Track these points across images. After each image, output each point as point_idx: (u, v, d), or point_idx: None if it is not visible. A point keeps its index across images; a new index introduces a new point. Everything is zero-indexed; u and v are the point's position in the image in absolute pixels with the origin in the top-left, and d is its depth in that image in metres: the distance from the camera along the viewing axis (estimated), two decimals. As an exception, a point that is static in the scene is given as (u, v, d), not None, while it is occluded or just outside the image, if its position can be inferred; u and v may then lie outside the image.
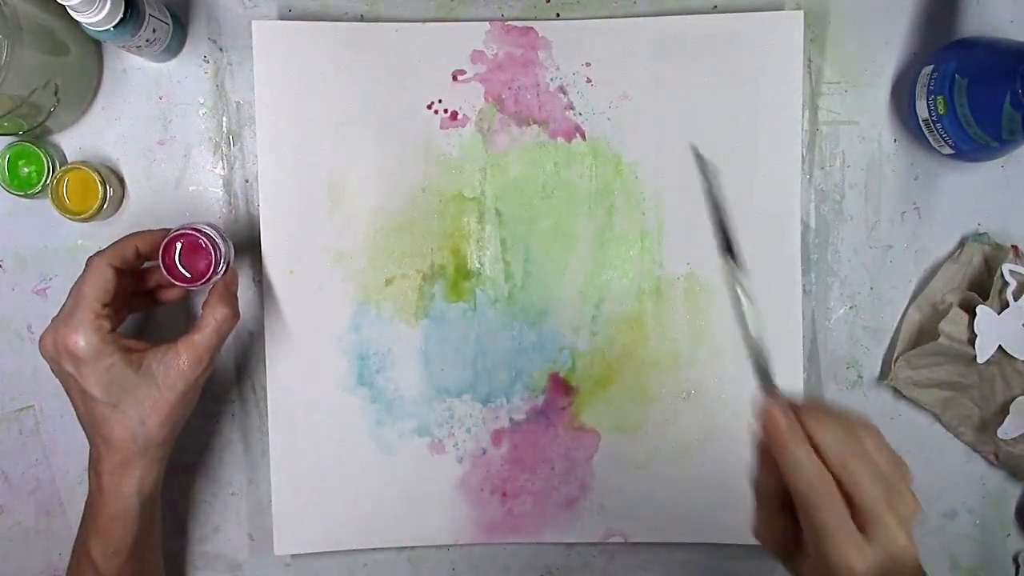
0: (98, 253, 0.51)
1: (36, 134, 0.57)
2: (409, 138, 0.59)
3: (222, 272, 0.53)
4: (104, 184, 0.56)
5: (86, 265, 0.51)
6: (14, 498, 0.61)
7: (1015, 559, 0.61)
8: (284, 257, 0.59)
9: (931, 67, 0.55)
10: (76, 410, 0.52)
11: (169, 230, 0.52)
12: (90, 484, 0.52)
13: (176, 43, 0.58)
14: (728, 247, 0.43)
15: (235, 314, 0.53)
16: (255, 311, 0.60)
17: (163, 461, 0.53)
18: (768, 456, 0.43)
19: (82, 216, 0.56)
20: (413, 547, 0.61)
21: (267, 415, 0.59)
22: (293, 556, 0.61)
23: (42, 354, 0.51)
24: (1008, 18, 0.59)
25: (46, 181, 0.56)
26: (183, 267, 0.51)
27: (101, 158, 0.59)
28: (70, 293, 0.51)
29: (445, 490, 0.60)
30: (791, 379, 0.59)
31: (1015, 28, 0.59)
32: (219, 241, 0.52)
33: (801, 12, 0.58)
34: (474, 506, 0.60)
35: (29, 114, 0.53)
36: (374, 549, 0.61)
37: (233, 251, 0.54)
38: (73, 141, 0.59)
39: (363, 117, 0.58)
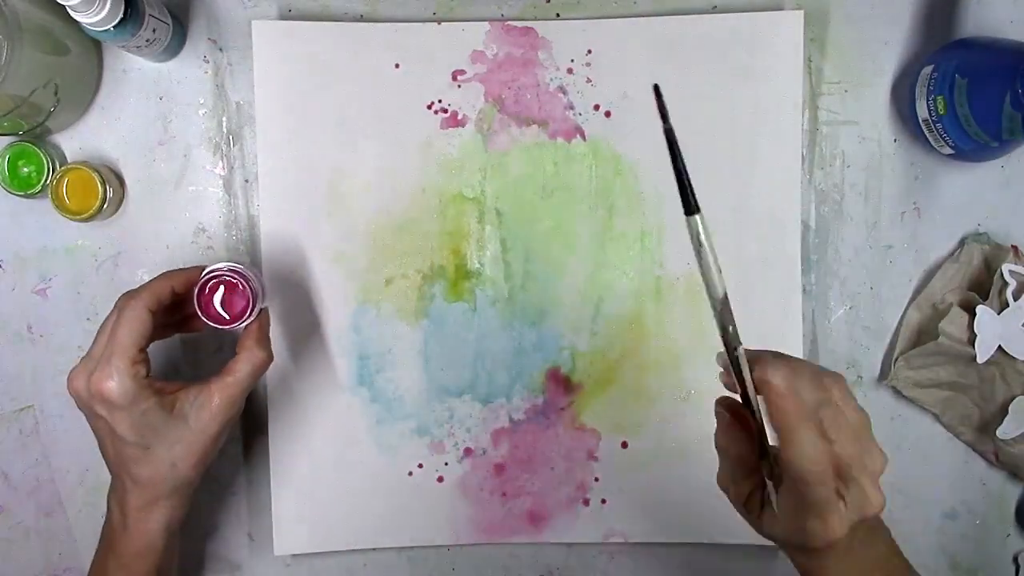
0: (133, 295, 0.49)
1: (36, 134, 0.57)
2: (409, 138, 0.59)
3: (257, 313, 0.52)
4: (104, 184, 0.56)
5: (121, 307, 0.49)
6: (14, 498, 0.61)
7: (1015, 559, 0.61)
8: (284, 257, 0.59)
9: (931, 67, 0.55)
10: (103, 449, 0.51)
11: (203, 268, 0.51)
12: (111, 515, 0.52)
13: (176, 43, 0.58)
14: (689, 200, 0.40)
15: (270, 356, 0.52)
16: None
17: (191, 498, 0.53)
18: (735, 419, 0.44)
19: (82, 216, 0.56)
20: (413, 547, 0.61)
21: (267, 415, 0.59)
22: (293, 556, 0.61)
23: (71, 393, 0.49)
24: (1008, 18, 0.59)
25: (46, 181, 0.56)
26: (221, 309, 0.51)
27: (101, 158, 0.59)
28: (100, 332, 0.49)
29: (445, 490, 0.60)
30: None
31: (1015, 28, 0.59)
32: (255, 283, 0.51)
33: (801, 12, 0.58)
34: (474, 506, 0.60)
35: (29, 114, 0.53)
36: (374, 549, 0.61)
37: (265, 290, 0.53)
38: (73, 141, 0.59)
39: (363, 117, 0.58)
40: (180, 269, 0.52)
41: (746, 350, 0.41)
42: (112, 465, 0.51)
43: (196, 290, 0.50)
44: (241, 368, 0.51)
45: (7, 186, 0.57)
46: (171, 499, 0.51)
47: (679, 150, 0.40)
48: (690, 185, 0.39)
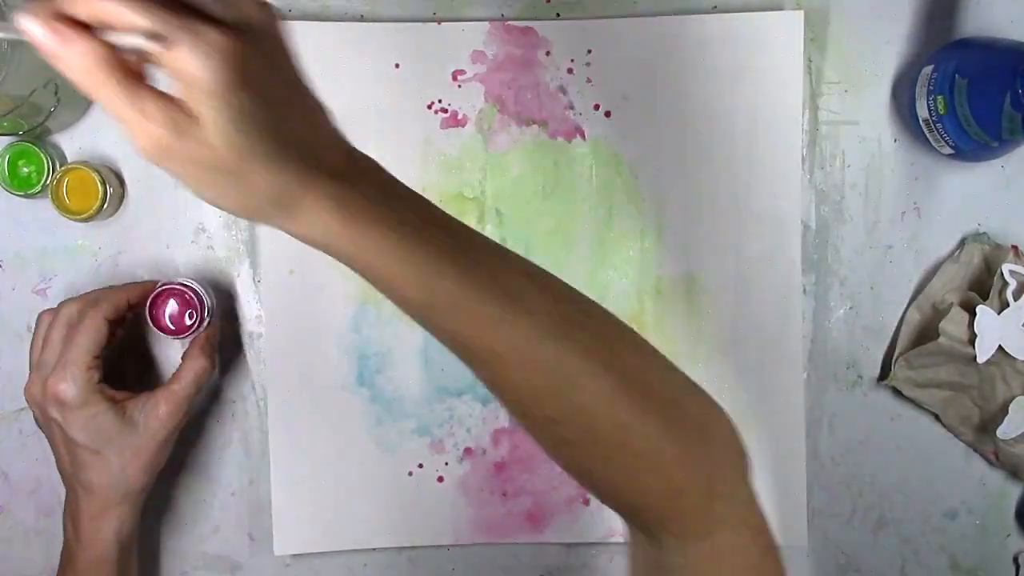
0: (92, 305, 0.52)
1: (36, 134, 0.57)
2: (409, 138, 0.59)
3: (204, 326, 0.56)
4: (104, 184, 0.56)
5: (80, 316, 0.52)
6: (14, 498, 0.61)
7: (1015, 559, 0.61)
8: (284, 257, 0.59)
9: (931, 67, 0.55)
10: (57, 457, 0.53)
11: (156, 282, 0.56)
12: (65, 533, 0.53)
13: (176, 43, 0.58)
14: None
15: (213, 366, 0.56)
16: (255, 311, 0.60)
17: (140, 508, 0.54)
18: None
19: (82, 216, 0.56)
20: (413, 547, 0.61)
21: (267, 415, 0.59)
22: (293, 556, 0.61)
23: (27, 400, 0.53)
24: (1008, 18, 0.59)
25: (46, 181, 0.56)
26: (170, 322, 0.55)
27: (101, 158, 0.59)
28: (47, 341, 0.52)
29: (445, 490, 0.60)
30: (791, 379, 0.59)
31: (1015, 28, 0.59)
32: (205, 297, 0.56)
33: (801, 12, 0.58)
34: (474, 506, 0.60)
35: (29, 114, 0.53)
36: (374, 549, 0.61)
37: (215, 305, 0.57)
38: (73, 141, 0.59)
39: (363, 117, 0.58)
40: (136, 283, 0.56)
41: None
42: (65, 476, 0.53)
43: (148, 302, 0.55)
44: (185, 376, 0.54)
45: (7, 186, 0.57)
46: (121, 507, 0.52)
47: None
48: None
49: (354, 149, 0.35)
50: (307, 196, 0.33)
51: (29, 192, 0.56)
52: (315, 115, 0.35)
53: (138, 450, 0.52)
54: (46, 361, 0.52)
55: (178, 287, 0.55)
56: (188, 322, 0.55)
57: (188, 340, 0.56)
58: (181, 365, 0.55)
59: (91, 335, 0.51)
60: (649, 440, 0.36)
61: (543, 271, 0.38)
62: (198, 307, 0.55)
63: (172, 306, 0.55)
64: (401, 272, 0.34)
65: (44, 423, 0.53)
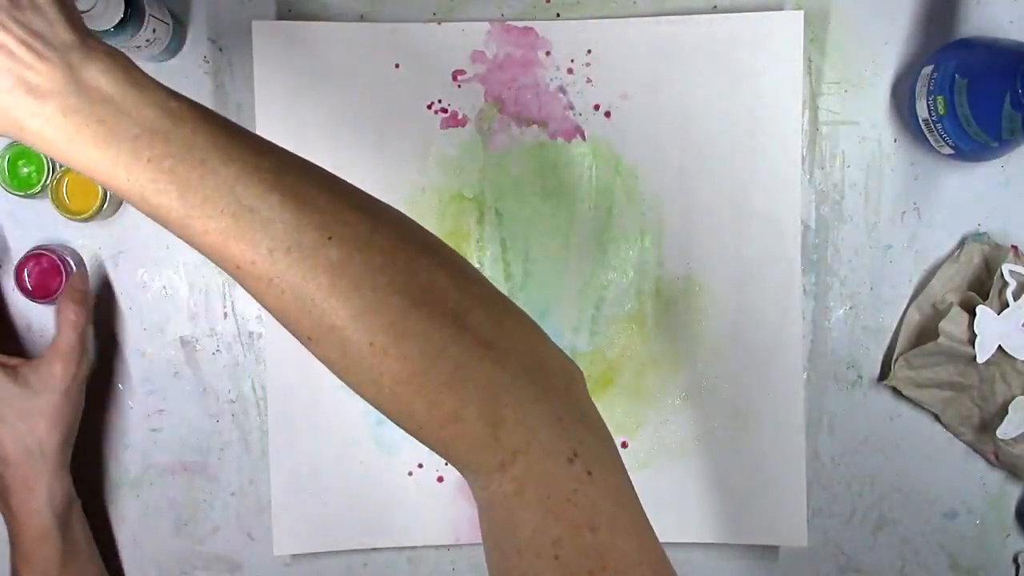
0: None
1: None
2: (409, 138, 0.59)
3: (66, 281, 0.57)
4: (104, 184, 0.56)
5: None
6: (14, 498, 0.61)
7: (1015, 559, 0.61)
8: (284, 257, 0.59)
9: (931, 67, 0.55)
10: None
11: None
12: (5, 518, 0.53)
13: (176, 43, 0.58)
14: None
15: (85, 309, 0.55)
16: (255, 311, 0.60)
17: (65, 470, 0.54)
18: None
19: (82, 216, 0.56)
20: (413, 547, 0.61)
21: (267, 415, 0.59)
22: (293, 556, 0.61)
23: None
24: (1008, 18, 0.59)
25: (46, 181, 0.56)
26: (33, 286, 0.57)
27: (101, 158, 0.59)
28: None
29: (445, 490, 0.60)
30: (791, 379, 0.59)
31: (1015, 28, 0.59)
32: (70, 261, 0.57)
33: (801, 12, 0.58)
34: (474, 506, 0.60)
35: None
36: (374, 549, 0.61)
37: (77, 264, 0.58)
38: (73, 141, 0.59)
39: (363, 117, 0.58)
40: None
41: None
42: None
43: (14, 274, 0.57)
44: (63, 329, 0.54)
45: (7, 186, 0.57)
46: (43, 474, 0.52)
47: None
48: None
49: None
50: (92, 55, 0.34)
51: (29, 192, 0.56)
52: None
53: (41, 409, 0.52)
54: None
55: (38, 253, 0.57)
56: (54, 287, 0.57)
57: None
58: (57, 321, 0.55)
59: None
60: (408, 361, 0.33)
61: (321, 174, 0.35)
62: (62, 269, 0.57)
63: (36, 271, 0.57)
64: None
65: None
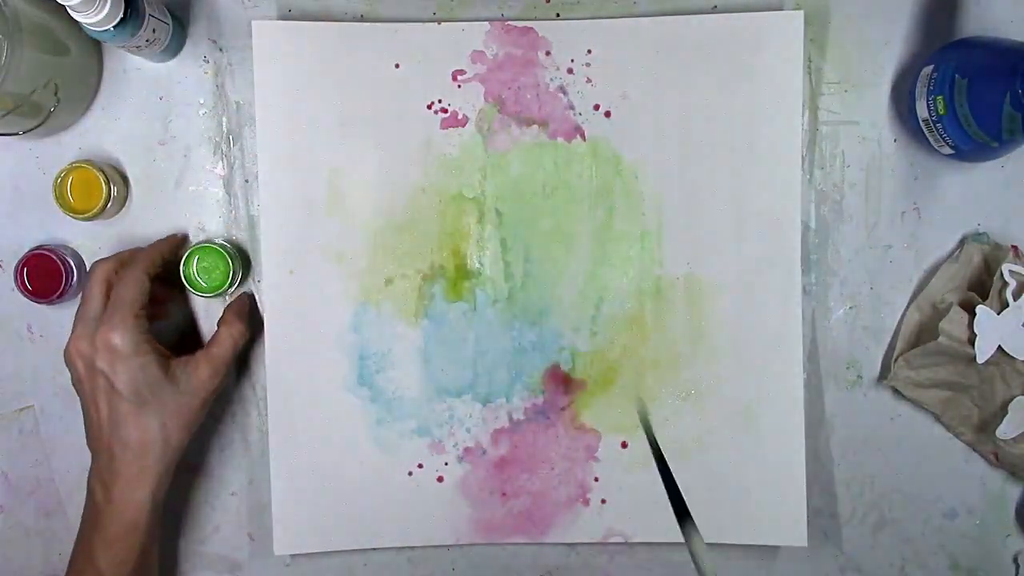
0: (128, 261, 0.54)
1: (39, 134, 0.57)
2: (409, 138, 0.59)
3: (72, 290, 0.58)
4: (108, 183, 0.56)
5: (120, 273, 0.54)
6: (14, 498, 0.61)
7: (1015, 559, 0.61)
8: (284, 257, 0.59)
9: (931, 67, 0.55)
10: (93, 419, 0.53)
11: (185, 237, 0.59)
12: (93, 496, 0.53)
13: (176, 43, 0.58)
14: (681, 510, 0.43)
15: (248, 329, 0.58)
16: (255, 311, 0.60)
17: (173, 470, 0.55)
18: None
19: (86, 215, 0.56)
20: (413, 547, 0.61)
21: (267, 415, 0.59)
22: (293, 556, 0.61)
23: (71, 358, 0.53)
24: (1008, 18, 0.59)
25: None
26: (33, 286, 0.57)
27: (101, 158, 0.59)
28: (87, 301, 0.53)
29: (445, 490, 0.60)
30: (791, 379, 0.59)
31: (1015, 28, 0.59)
32: (70, 261, 0.57)
33: (801, 12, 0.58)
34: (474, 506, 0.60)
35: (29, 114, 0.53)
36: (374, 549, 0.61)
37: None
38: (73, 141, 0.59)
39: (363, 117, 0.58)
40: (162, 239, 0.58)
41: None
42: (101, 438, 0.53)
43: (14, 274, 0.57)
44: (223, 340, 0.56)
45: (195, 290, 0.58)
46: (157, 467, 0.53)
47: (668, 467, 0.43)
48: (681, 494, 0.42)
49: None
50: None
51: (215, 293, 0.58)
52: None
53: (179, 408, 0.53)
54: (89, 315, 0.53)
55: (38, 253, 0.57)
56: (54, 285, 0.57)
57: (59, 303, 0.58)
58: (217, 330, 0.57)
59: (135, 287, 0.53)
60: None
61: None
62: (62, 269, 0.57)
63: (36, 271, 0.57)
64: None
65: (87, 378, 0.53)
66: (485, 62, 0.59)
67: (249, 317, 0.58)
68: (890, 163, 0.60)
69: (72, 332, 0.53)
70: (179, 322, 0.60)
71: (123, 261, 0.55)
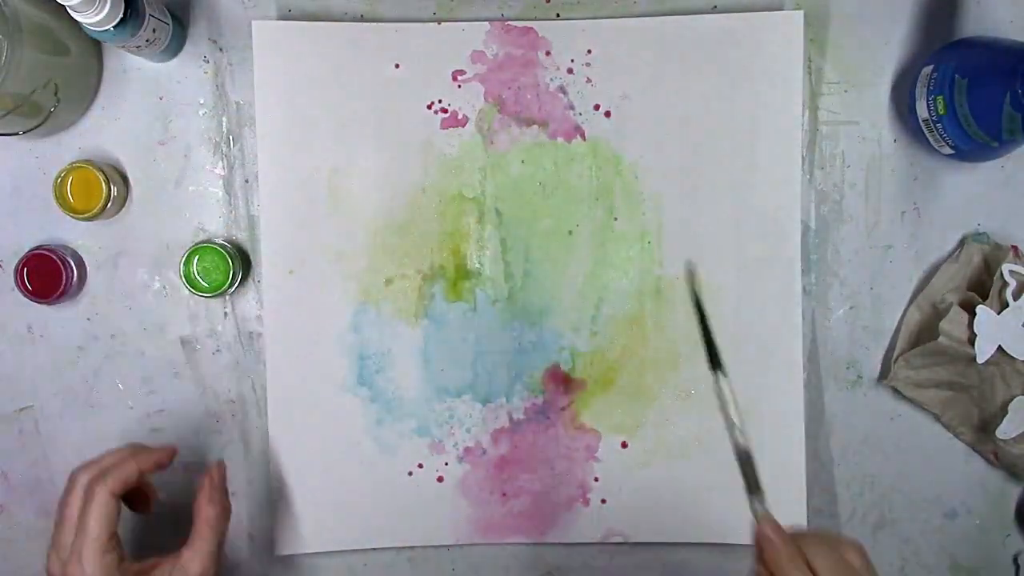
0: (98, 480, 0.49)
1: (39, 134, 0.57)
2: (409, 138, 0.59)
3: (71, 290, 0.58)
4: (108, 183, 0.56)
5: (87, 492, 0.49)
6: (14, 498, 0.61)
7: (1015, 559, 0.61)
8: (284, 257, 0.59)
9: (931, 67, 0.55)
10: None
11: (173, 449, 0.53)
12: None
13: (176, 43, 0.58)
14: (714, 359, 0.46)
15: (226, 511, 0.53)
16: (255, 311, 0.60)
17: None
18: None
19: (86, 215, 0.56)
20: (413, 547, 0.61)
21: (267, 415, 0.59)
22: (293, 556, 0.61)
23: None
24: (1008, 18, 0.59)
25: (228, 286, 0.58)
26: (33, 286, 0.57)
27: (102, 158, 0.59)
28: (64, 516, 0.49)
29: (445, 490, 0.60)
30: (791, 379, 0.59)
31: (1015, 28, 0.59)
32: (70, 261, 0.57)
33: (801, 12, 0.58)
34: (474, 506, 0.60)
35: (29, 113, 0.53)
36: (374, 549, 0.61)
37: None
38: (73, 141, 0.59)
39: (363, 117, 0.58)
40: (144, 449, 0.52)
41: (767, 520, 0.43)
42: None
43: (14, 274, 0.57)
44: (203, 530, 0.51)
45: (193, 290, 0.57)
46: None
47: (707, 317, 0.47)
48: (716, 345, 0.45)
49: None
50: None
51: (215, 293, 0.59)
52: None
53: None
54: (62, 543, 0.49)
55: (38, 253, 0.57)
56: (54, 285, 0.57)
57: (59, 303, 0.58)
58: (195, 519, 0.52)
59: (100, 515, 0.48)
60: None
61: None
62: (62, 269, 0.57)
63: (36, 271, 0.57)
64: None
65: None
66: (485, 62, 0.59)
67: (223, 494, 0.53)
68: (890, 163, 0.60)
69: (48, 550, 0.50)
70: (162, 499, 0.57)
71: (103, 470, 0.50)
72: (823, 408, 0.60)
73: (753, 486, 0.44)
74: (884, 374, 0.60)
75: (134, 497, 0.53)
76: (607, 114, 0.59)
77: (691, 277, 0.52)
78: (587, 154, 0.59)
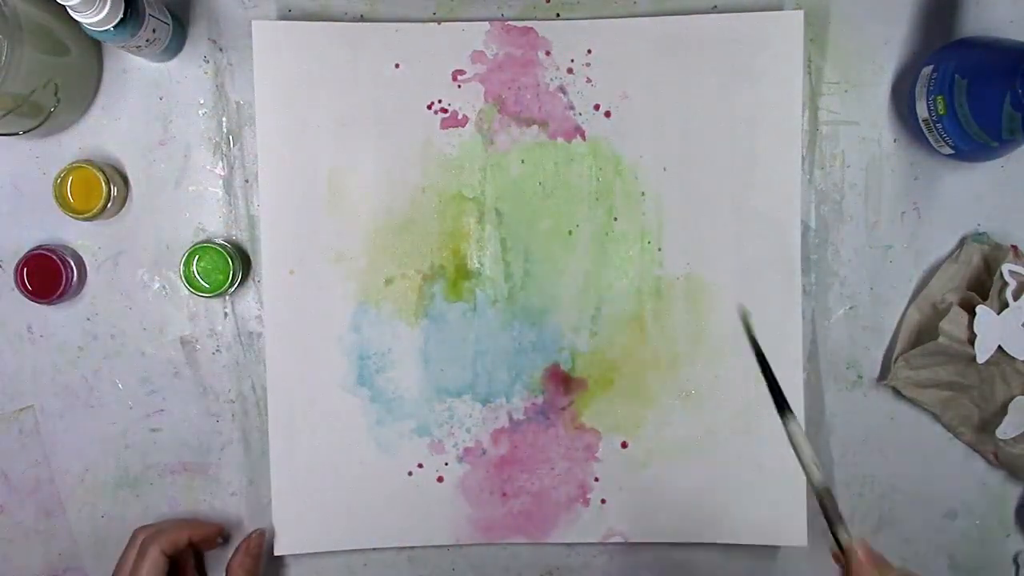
0: (153, 539, 0.55)
1: (39, 134, 0.57)
2: (409, 138, 0.59)
3: (72, 290, 0.58)
4: (108, 183, 0.56)
5: (140, 547, 0.54)
6: (14, 498, 0.61)
7: (1015, 559, 0.61)
8: (284, 257, 0.59)
9: (931, 67, 0.55)
10: None
11: (221, 528, 0.60)
12: None
13: (176, 43, 0.58)
14: (781, 403, 0.46)
15: (262, 568, 0.59)
16: (255, 311, 0.60)
17: None
18: None
19: (86, 215, 0.56)
20: (413, 547, 0.61)
21: (267, 415, 0.59)
22: (293, 556, 0.61)
23: None
24: (1008, 18, 0.59)
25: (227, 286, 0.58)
26: (33, 286, 0.57)
27: (101, 158, 0.59)
28: (120, 568, 0.54)
29: (445, 490, 0.60)
30: (791, 379, 0.59)
31: (1015, 28, 0.59)
32: (70, 261, 0.58)
33: (801, 12, 0.58)
34: (474, 506, 0.60)
35: (29, 114, 0.53)
36: (374, 549, 0.61)
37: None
38: (73, 141, 0.59)
39: (363, 117, 0.58)
40: (200, 522, 0.59)
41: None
42: None
43: (14, 274, 0.57)
44: None
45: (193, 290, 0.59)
46: None
47: (768, 364, 0.47)
48: (781, 389, 0.45)
49: None
50: None
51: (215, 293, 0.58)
52: None
53: None
54: None
55: (38, 253, 0.57)
56: (54, 285, 0.57)
57: (59, 302, 0.58)
58: None
59: (151, 568, 0.54)
60: None
61: None
62: (62, 269, 0.57)
63: (36, 271, 0.57)
64: None
65: None
66: (485, 62, 0.59)
67: (257, 563, 0.59)
68: (890, 163, 0.60)
69: None
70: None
71: (159, 531, 0.56)
72: (823, 408, 0.60)
73: (836, 519, 0.43)
74: (884, 374, 0.60)
75: (183, 566, 0.58)
76: (607, 114, 0.59)
77: (746, 322, 0.52)
78: (587, 154, 0.59)
